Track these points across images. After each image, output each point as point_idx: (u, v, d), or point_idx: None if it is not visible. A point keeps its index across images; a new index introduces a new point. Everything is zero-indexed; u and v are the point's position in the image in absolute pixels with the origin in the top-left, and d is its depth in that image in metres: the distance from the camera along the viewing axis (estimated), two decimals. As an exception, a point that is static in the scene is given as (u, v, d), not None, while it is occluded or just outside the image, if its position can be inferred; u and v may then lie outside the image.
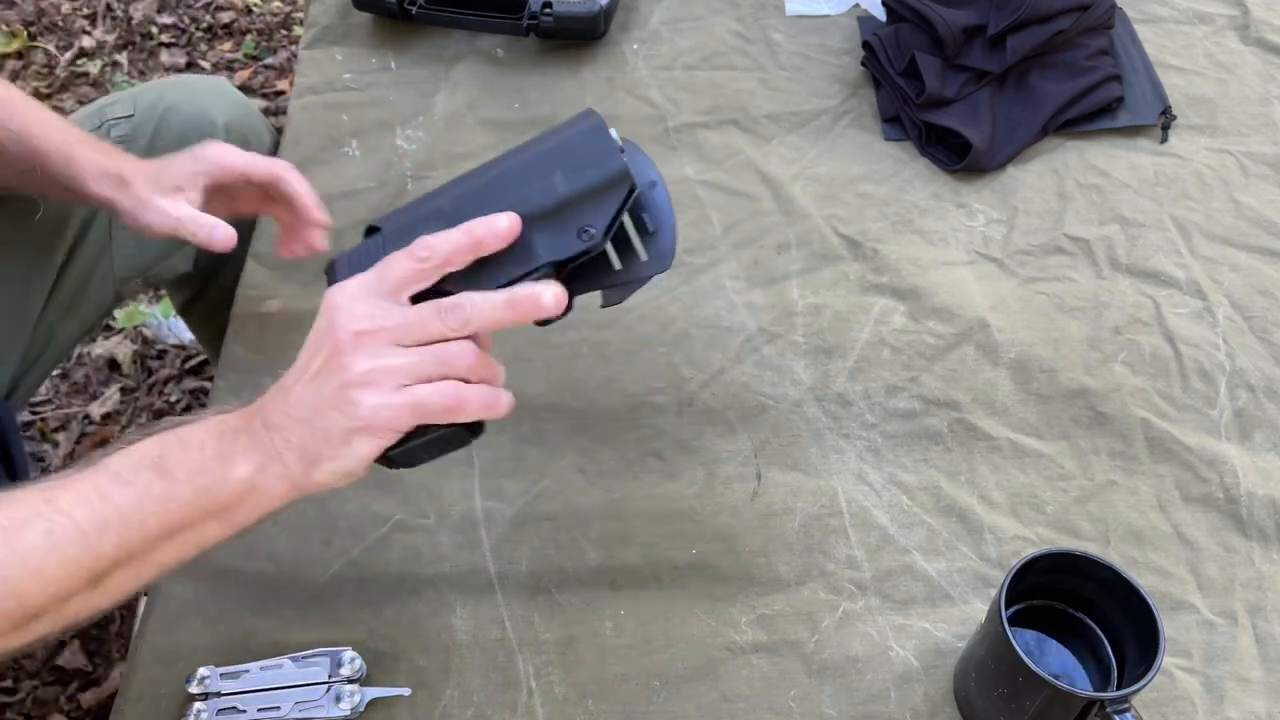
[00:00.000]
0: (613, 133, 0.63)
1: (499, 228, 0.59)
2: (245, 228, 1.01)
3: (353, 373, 0.57)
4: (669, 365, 0.89)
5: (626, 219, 0.62)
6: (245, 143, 1.03)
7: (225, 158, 0.83)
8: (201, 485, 0.57)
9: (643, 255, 0.63)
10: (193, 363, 1.55)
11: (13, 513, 0.54)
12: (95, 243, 0.97)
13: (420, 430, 0.59)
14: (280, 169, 0.85)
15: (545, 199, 0.61)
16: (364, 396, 0.57)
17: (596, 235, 0.60)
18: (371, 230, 0.65)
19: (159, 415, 1.50)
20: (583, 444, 0.85)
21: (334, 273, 0.63)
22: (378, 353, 0.57)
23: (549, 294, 0.59)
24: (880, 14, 1.15)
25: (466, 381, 0.59)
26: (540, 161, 0.62)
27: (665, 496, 0.82)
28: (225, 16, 2.05)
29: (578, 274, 0.63)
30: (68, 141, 0.82)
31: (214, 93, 1.04)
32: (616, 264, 0.63)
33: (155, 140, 0.97)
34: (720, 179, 1.03)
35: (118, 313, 1.57)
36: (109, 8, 2.06)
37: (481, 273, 0.60)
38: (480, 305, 0.58)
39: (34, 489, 0.56)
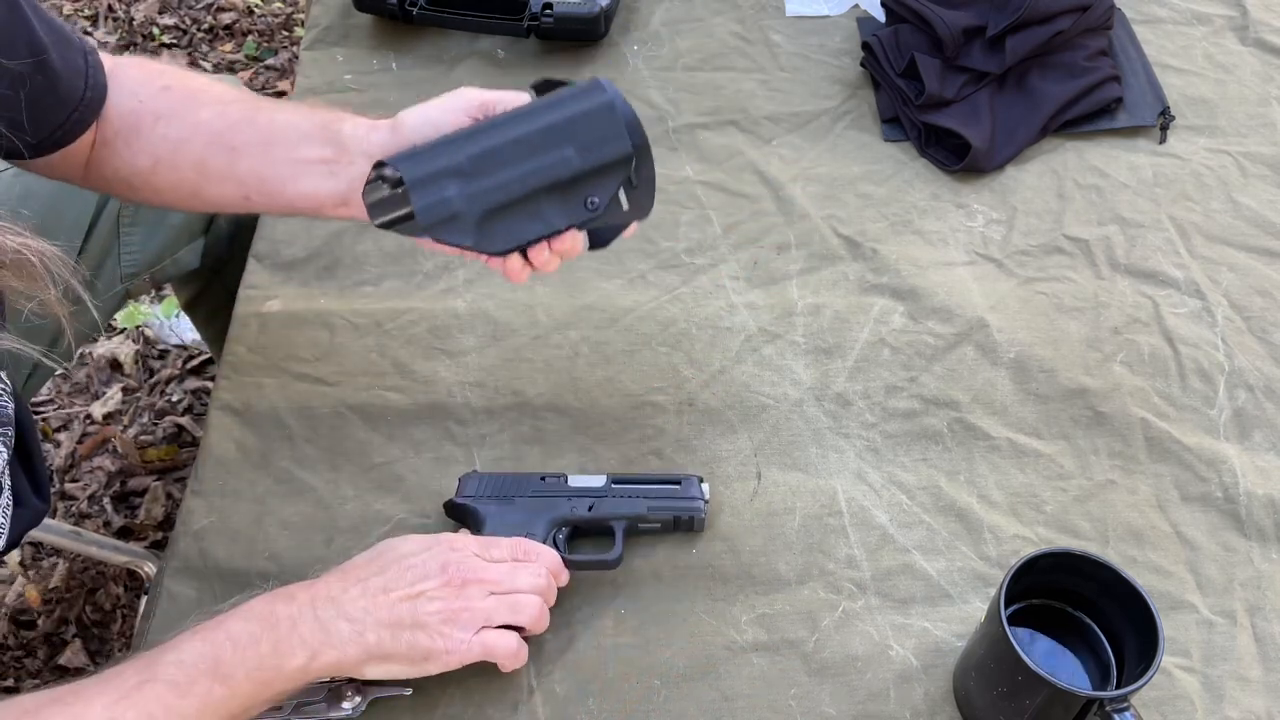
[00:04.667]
0: (605, 84, 0.69)
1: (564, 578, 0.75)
2: (246, 229, 1.01)
3: (454, 606, 0.67)
4: (669, 365, 0.90)
5: None
6: None
7: (483, 103, 0.73)
8: (260, 680, 0.63)
9: (624, 205, 0.71)
10: (194, 363, 1.55)
11: None
12: (102, 240, 0.96)
13: None
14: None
15: (560, 171, 0.68)
16: (454, 630, 0.67)
17: (600, 206, 0.69)
18: (380, 165, 0.69)
19: (160, 415, 1.50)
20: (583, 443, 0.85)
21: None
22: (474, 596, 0.68)
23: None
24: (880, 15, 1.15)
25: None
26: (555, 133, 0.68)
27: (665, 496, 0.82)
28: (226, 17, 2.05)
29: None
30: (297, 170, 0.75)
31: None
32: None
33: None
34: (720, 179, 1.03)
35: (119, 313, 1.57)
36: (110, 8, 2.07)
37: (496, 232, 0.69)
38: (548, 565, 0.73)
39: (96, 705, 0.59)
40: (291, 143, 0.75)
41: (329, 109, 0.77)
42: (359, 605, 0.66)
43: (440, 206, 0.68)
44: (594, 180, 0.68)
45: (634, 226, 0.74)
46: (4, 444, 0.65)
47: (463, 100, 0.73)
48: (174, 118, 0.76)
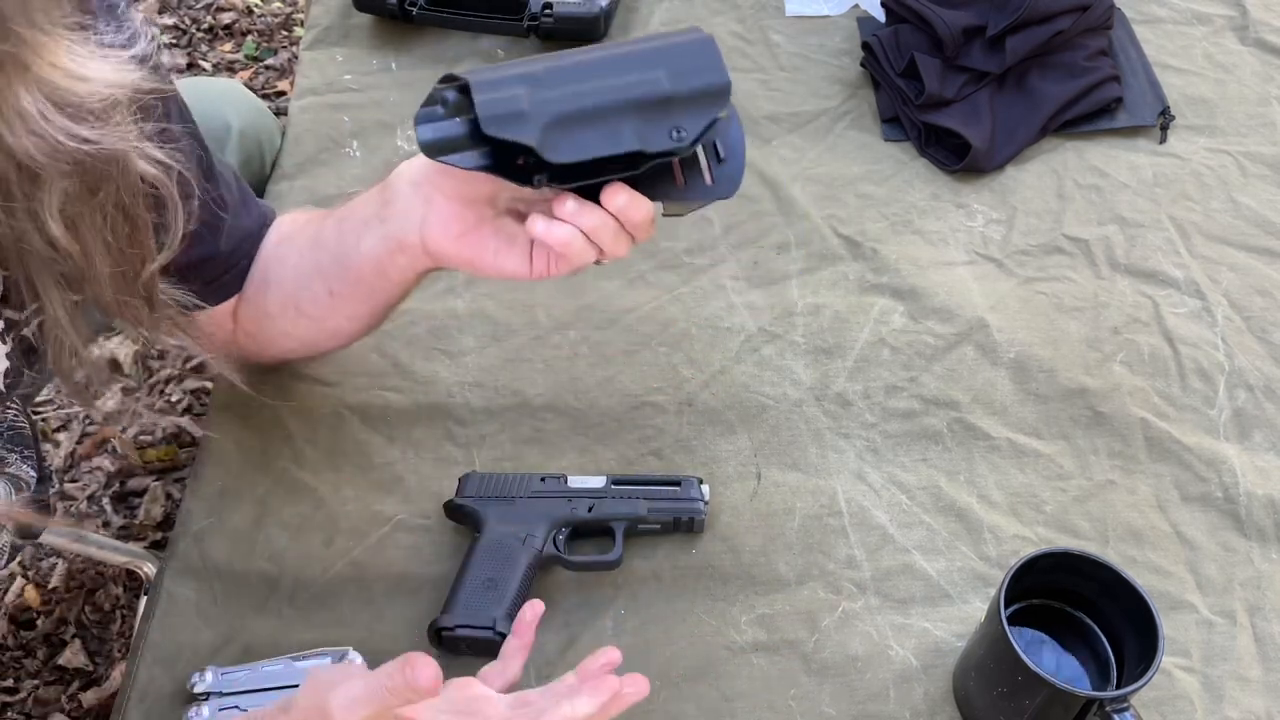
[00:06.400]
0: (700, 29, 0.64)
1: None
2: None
3: None
4: (669, 365, 0.90)
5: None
6: (259, 145, 1.03)
7: None
8: None
9: (708, 179, 0.64)
10: (194, 362, 1.55)
11: None
12: None
13: None
14: None
15: (647, 90, 0.60)
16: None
17: (686, 139, 0.60)
18: (450, 79, 0.62)
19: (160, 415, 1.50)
20: (583, 444, 0.85)
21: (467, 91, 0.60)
22: None
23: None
24: (880, 15, 1.15)
25: None
26: (645, 57, 0.62)
27: (665, 496, 0.82)
28: (226, 17, 2.05)
29: (642, 179, 0.63)
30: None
31: (227, 95, 1.04)
32: (680, 180, 0.64)
33: None
34: (720, 179, 1.03)
35: (118, 313, 1.57)
36: (110, 8, 2.06)
37: (563, 141, 0.60)
38: None
39: None
40: (354, 210, 0.72)
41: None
42: None
43: (504, 103, 0.59)
44: (683, 108, 0.60)
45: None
46: (24, 482, 0.65)
47: None
48: (289, 239, 0.78)
